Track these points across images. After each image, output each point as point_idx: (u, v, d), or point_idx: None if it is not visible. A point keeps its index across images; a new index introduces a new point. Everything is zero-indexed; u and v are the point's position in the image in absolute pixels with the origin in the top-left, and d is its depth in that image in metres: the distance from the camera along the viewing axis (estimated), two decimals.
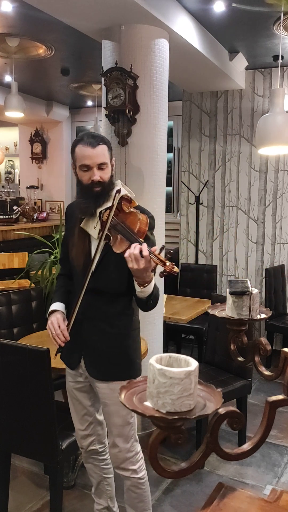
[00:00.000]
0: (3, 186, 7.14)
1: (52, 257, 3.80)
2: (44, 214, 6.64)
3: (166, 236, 3.49)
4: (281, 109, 3.23)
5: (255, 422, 3.37)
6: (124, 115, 3.02)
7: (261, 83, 4.70)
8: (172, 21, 3.09)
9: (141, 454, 2.07)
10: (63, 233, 2.38)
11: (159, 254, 1.64)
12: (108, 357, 1.96)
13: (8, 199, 6.28)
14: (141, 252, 1.63)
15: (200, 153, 5.05)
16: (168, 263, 1.62)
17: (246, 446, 0.97)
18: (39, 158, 6.82)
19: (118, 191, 1.80)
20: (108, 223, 1.78)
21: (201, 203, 5.09)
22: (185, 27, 3.29)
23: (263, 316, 1.24)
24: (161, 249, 1.65)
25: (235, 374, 3.16)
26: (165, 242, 3.70)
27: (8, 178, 7.90)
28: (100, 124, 4.28)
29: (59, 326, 1.89)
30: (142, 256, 1.63)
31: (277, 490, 1.32)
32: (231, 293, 1.22)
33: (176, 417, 0.83)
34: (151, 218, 1.88)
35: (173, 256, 5.26)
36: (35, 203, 6.82)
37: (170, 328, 4.16)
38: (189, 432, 3.17)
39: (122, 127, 3.07)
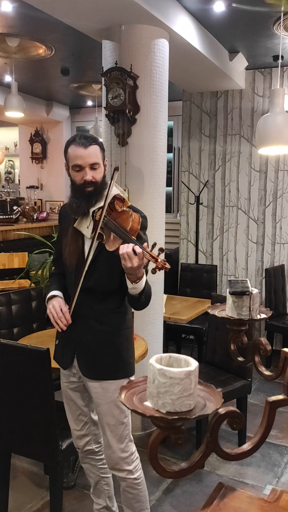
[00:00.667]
0: (3, 186, 7.14)
1: (52, 257, 3.80)
2: (44, 214, 6.64)
3: (166, 236, 3.49)
4: (281, 109, 3.24)
5: (255, 422, 3.37)
6: (124, 115, 3.02)
7: (261, 83, 4.70)
8: (172, 21, 3.09)
9: (136, 454, 2.07)
10: None
11: (151, 251, 1.67)
12: (100, 356, 1.96)
13: (8, 199, 6.28)
14: (134, 249, 1.65)
15: (200, 153, 5.05)
16: (160, 259, 1.65)
17: (246, 446, 0.97)
18: (39, 158, 6.83)
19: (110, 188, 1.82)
20: (101, 221, 1.80)
21: (201, 203, 5.09)
22: (185, 27, 3.29)
23: (263, 316, 1.24)
24: (153, 246, 1.68)
25: (235, 374, 3.16)
26: (165, 242, 3.70)
27: (8, 178, 7.90)
28: (100, 124, 4.27)
29: (61, 309, 1.90)
30: (135, 254, 1.65)
31: (277, 490, 1.32)
32: (231, 293, 1.22)
33: (176, 417, 0.83)
34: (144, 217, 1.89)
35: (173, 256, 5.26)
36: (35, 203, 6.82)
37: (170, 328, 4.16)
38: (189, 432, 3.17)
39: (122, 127, 3.07)
